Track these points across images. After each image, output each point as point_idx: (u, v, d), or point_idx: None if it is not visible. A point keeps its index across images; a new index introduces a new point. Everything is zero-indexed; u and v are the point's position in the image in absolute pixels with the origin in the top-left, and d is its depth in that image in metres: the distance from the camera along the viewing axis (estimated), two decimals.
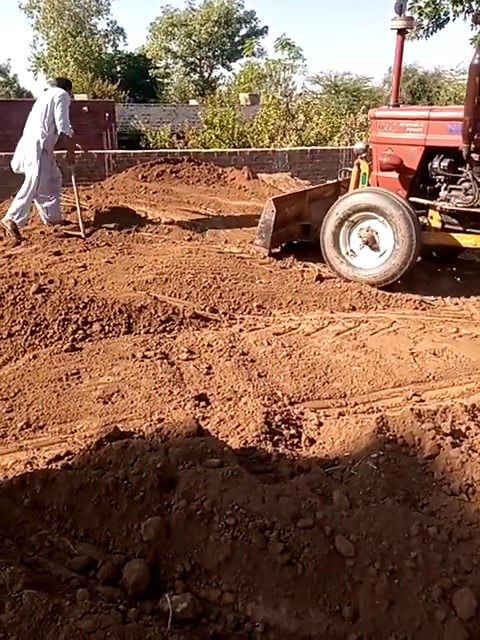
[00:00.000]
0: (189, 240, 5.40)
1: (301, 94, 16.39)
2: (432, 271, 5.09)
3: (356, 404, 2.74)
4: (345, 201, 4.57)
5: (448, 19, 10.62)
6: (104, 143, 13.41)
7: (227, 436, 2.22)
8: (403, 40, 4.71)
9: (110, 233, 5.63)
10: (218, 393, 2.72)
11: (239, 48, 29.39)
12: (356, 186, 4.93)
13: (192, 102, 22.28)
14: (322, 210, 4.79)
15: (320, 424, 2.39)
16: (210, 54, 31.43)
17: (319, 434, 2.29)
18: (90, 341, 3.26)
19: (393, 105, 4.86)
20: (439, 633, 1.32)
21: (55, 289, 3.66)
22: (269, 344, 3.33)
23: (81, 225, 5.53)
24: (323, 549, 1.46)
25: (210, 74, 32.62)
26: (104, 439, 1.83)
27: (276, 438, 2.19)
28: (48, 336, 3.24)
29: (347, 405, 2.74)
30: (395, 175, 4.63)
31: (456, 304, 4.20)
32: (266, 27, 30.26)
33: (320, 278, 4.48)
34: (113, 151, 9.42)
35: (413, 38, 10.96)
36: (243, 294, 4.07)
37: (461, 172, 4.41)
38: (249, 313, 3.88)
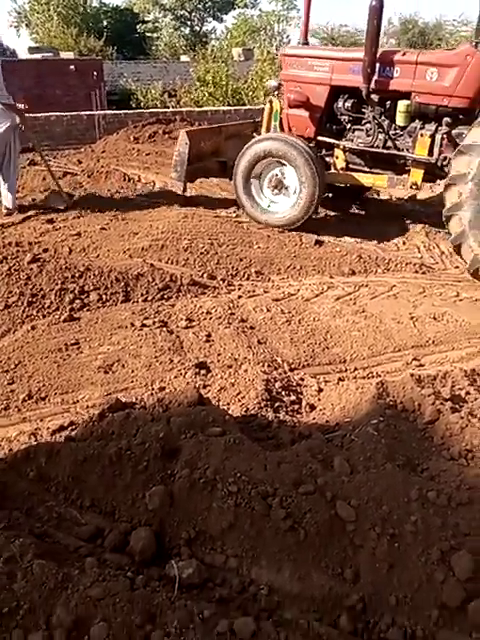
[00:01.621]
0: (184, 204, 5.29)
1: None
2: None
3: (356, 369, 2.76)
4: (250, 150, 4.63)
5: None
6: (93, 104, 12.98)
7: (228, 404, 2.23)
8: None
9: (103, 199, 5.51)
10: (218, 361, 2.72)
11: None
12: (268, 123, 4.95)
13: (183, 58, 21.46)
14: (239, 148, 4.78)
15: (320, 390, 2.41)
16: (200, 6, 30.03)
17: (319, 400, 2.31)
18: (88, 310, 3.24)
19: (303, 43, 4.83)
20: (437, 593, 1.36)
21: (50, 258, 3.61)
22: (268, 310, 3.32)
23: (61, 194, 5.20)
24: (324, 514, 1.49)
25: (201, 28, 31.28)
26: (106, 410, 1.84)
27: (277, 405, 2.21)
28: (45, 306, 3.22)
29: (347, 370, 2.75)
30: (304, 113, 4.67)
31: (456, 267, 4.17)
32: None
33: (319, 242, 4.43)
34: (103, 112, 9.14)
35: None
36: (241, 260, 4.03)
37: (363, 112, 4.50)
38: (248, 279, 3.84)
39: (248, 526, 1.46)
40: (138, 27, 28.69)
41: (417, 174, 4.27)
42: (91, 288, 3.36)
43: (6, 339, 2.99)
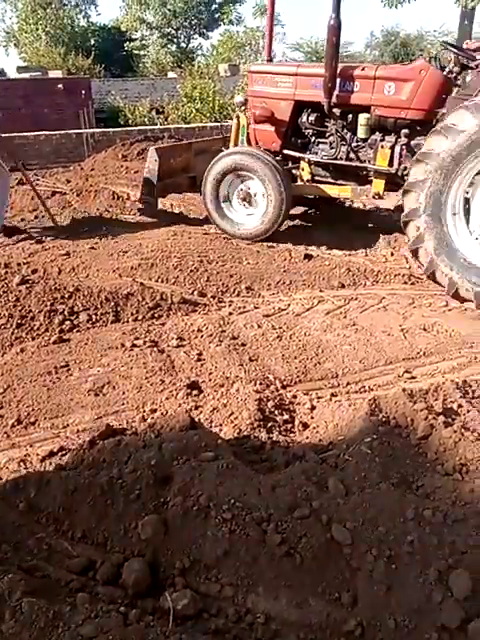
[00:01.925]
0: (173, 221, 5.30)
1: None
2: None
3: (348, 384, 2.75)
4: (218, 164, 4.73)
5: None
6: (82, 122, 13.02)
7: (220, 425, 2.21)
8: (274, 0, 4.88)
9: (92, 218, 5.51)
10: (210, 380, 2.71)
11: (216, 16, 28.51)
12: (236, 138, 5.07)
13: (170, 74, 21.65)
14: (208, 163, 4.87)
15: (313, 408, 2.39)
16: (186, 24, 30.39)
17: (312, 418, 2.29)
18: (78, 331, 3.21)
19: (267, 60, 5.03)
20: (436, 614, 1.35)
21: (39, 279, 3.59)
22: (259, 326, 3.31)
23: (49, 216, 5.18)
24: (320, 538, 1.47)
25: (188, 44, 31.62)
26: (97, 437, 1.81)
27: (270, 425, 2.19)
28: (35, 328, 3.19)
29: (339, 385, 2.74)
30: (270, 128, 4.79)
31: None
32: None
33: (308, 256, 4.44)
34: (91, 130, 9.17)
35: (396, 4, 10.71)
36: (231, 276, 4.03)
37: (326, 126, 4.64)
38: (238, 295, 3.84)
39: (243, 553, 1.44)
40: (125, 45, 28.98)
41: (379, 184, 4.40)
42: (81, 309, 3.34)
43: None
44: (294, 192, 4.76)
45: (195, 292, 3.78)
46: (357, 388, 2.70)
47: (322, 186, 4.73)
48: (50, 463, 2.07)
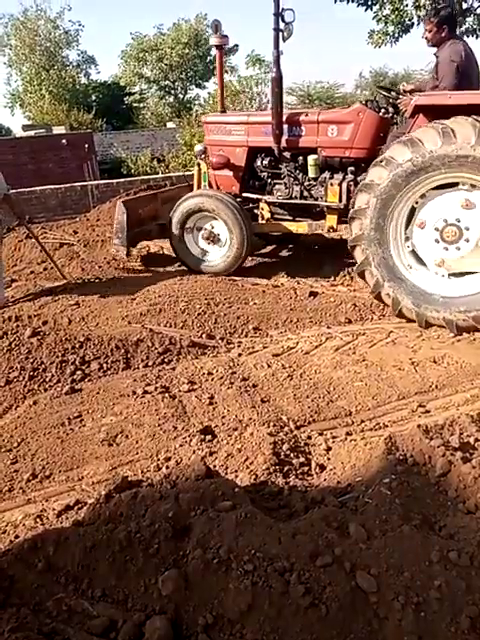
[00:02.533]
0: (179, 266, 5.40)
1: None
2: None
3: (362, 421, 2.73)
4: (181, 206, 5.06)
5: (412, 24, 10.85)
6: (86, 174, 13.46)
7: (236, 471, 2.19)
8: (222, 54, 5.35)
9: (100, 267, 5.62)
10: (223, 424, 2.70)
11: (211, 67, 29.77)
12: (199, 184, 5.42)
13: (169, 125, 22.47)
14: None
15: (329, 448, 2.37)
16: (183, 76, 31.74)
17: (328, 459, 2.27)
18: (89, 381, 3.23)
19: (221, 111, 5.45)
20: None
21: (50, 331, 3.64)
22: (269, 366, 3.32)
23: (57, 270, 5.30)
24: (345, 587, 1.43)
25: (185, 95, 32.92)
26: (113, 491, 1.80)
27: (286, 468, 2.17)
28: (47, 380, 3.22)
29: (353, 423, 2.72)
30: (228, 173, 5.16)
31: None
32: (236, 45, 30.57)
33: (313, 294, 4.49)
34: (96, 182, 9.45)
35: (381, 45, 11.18)
36: (238, 317, 4.07)
37: (280, 168, 4.97)
38: (246, 336, 3.87)
39: (267, 606, 1.40)
40: (125, 99, 30.21)
41: (332, 219, 4.72)
42: (92, 358, 3.37)
43: (8, 416, 2.97)
44: (255, 230, 5.14)
45: (203, 335, 3.81)
46: (372, 425, 2.67)
47: (281, 223, 5.07)
48: (66, 518, 2.05)
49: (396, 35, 10.96)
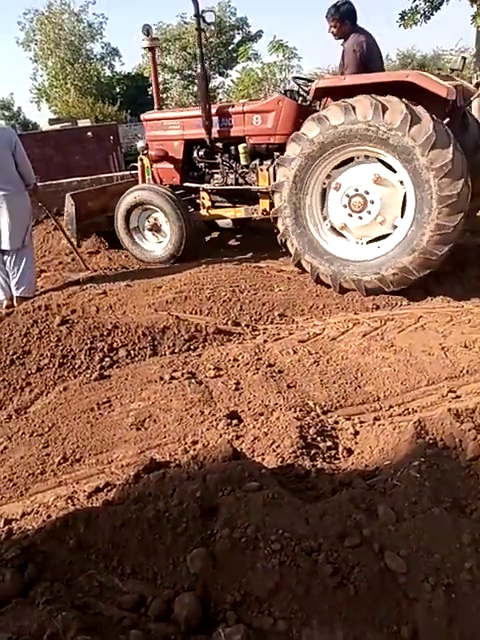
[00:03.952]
0: (203, 254, 5.41)
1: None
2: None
3: (391, 407, 2.69)
4: (124, 201, 5.38)
5: (442, 1, 10.52)
6: (111, 166, 13.57)
7: (263, 454, 2.19)
8: (154, 56, 5.83)
9: (126, 257, 5.68)
10: (249, 409, 2.70)
11: (235, 55, 29.50)
12: (143, 178, 5.69)
13: None
14: None
15: (356, 433, 2.35)
16: (206, 64, 31.63)
17: (356, 443, 2.25)
18: (117, 367, 3.28)
19: (157, 108, 5.84)
20: None
21: (78, 319, 3.70)
22: (295, 352, 3.30)
23: (81, 261, 5.41)
24: (374, 567, 1.42)
25: (208, 84, 32.83)
26: (141, 471, 1.83)
27: (313, 452, 2.16)
28: (76, 367, 3.28)
29: (381, 409, 2.69)
30: (168, 165, 5.48)
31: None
32: (260, 31, 30.12)
33: None
34: (121, 173, 9.52)
35: (412, 24, 10.87)
36: (264, 304, 4.05)
37: (215, 158, 5.27)
38: (272, 323, 3.85)
39: (295, 585, 1.40)
40: (149, 90, 30.27)
41: (265, 202, 4.92)
42: (119, 345, 3.42)
43: (39, 402, 3.04)
44: (196, 218, 5.44)
45: (229, 322, 3.81)
46: (400, 411, 2.64)
47: (220, 210, 5.37)
48: (97, 499, 2.09)
49: (426, 13, 10.65)
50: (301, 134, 4.10)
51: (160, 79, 32.64)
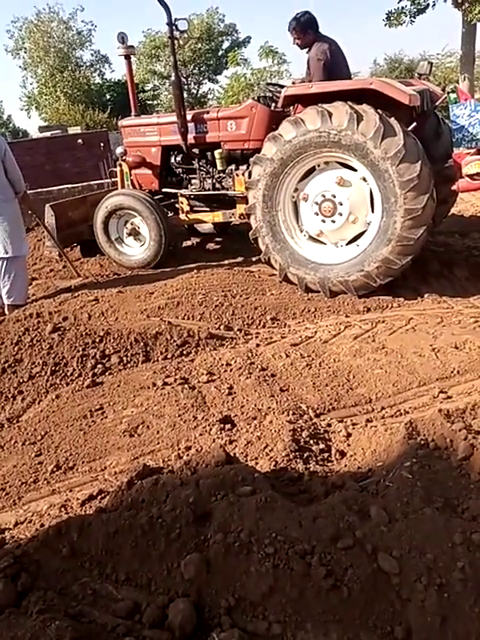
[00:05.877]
0: (195, 260, 5.42)
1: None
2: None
3: (383, 408, 2.71)
4: (102, 206, 5.41)
5: (428, 5, 10.66)
6: (102, 173, 13.57)
7: (256, 458, 2.20)
8: (130, 64, 5.59)
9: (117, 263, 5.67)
10: (242, 413, 2.70)
11: (224, 61, 29.68)
12: (122, 184, 5.70)
13: None
14: None
15: (349, 435, 2.36)
16: (196, 71, 31.74)
17: (349, 446, 2.26)
18: (110, 374, 3.27)
19: (135, 115, 5.75)
20: None
21: (70, 326, 3.69)
22: (287, 356, 3.31)
23: (72, 269, 5.41)
24: (367, 569, 1.43)
25: (198, 90, 32.93)
26: (134, 478, 1.83)
27: (306, 455, 2.17)
28: (68, 374, 3.27)
29: (374, 410, 2.70)
30: (147, 171, 5.51)
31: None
32: (249, 37, 30.42)
33: None
34: (111, 180, 9.52)
35: (397, 24, 11.02)
36: (256, 308, 4.07)
37: (192, 164, 5.32)
38: (264, 327, 3.86)
39: (289, 588, 1.41)
40: (139, 96, 30.35)
41: (241, 207, 4.92)
42: (112, 351, 3.41)
43: (31, 410, 3.03)
44: (175, 223, 5.47)
45: (222, 326, 3.82)
46: (392, 412, 2.65)
47: (198, 215, 5.40)
48: (90, 507, 2.08)
49: (412, 14, 10.79)
50: (278, 135, 4.15)
51: (150, 86, 32.81)
